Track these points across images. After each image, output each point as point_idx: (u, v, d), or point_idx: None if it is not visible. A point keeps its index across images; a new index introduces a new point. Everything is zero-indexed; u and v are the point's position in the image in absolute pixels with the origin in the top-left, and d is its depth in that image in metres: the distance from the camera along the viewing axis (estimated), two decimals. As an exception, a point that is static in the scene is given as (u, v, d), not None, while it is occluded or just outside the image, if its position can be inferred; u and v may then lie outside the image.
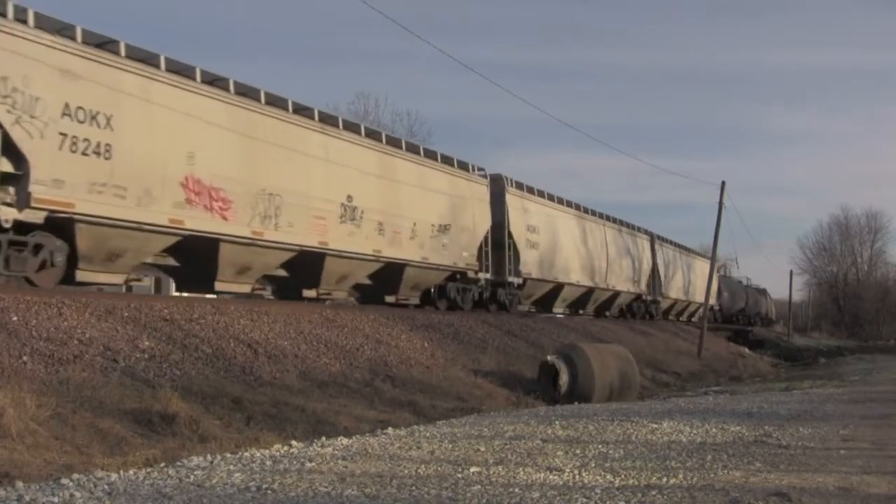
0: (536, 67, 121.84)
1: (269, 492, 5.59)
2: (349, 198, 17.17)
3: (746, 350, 40.58)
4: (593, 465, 6.96)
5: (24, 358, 8.80)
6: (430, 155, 20.91)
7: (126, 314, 11.16)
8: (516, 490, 5.84)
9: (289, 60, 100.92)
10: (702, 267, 42.27)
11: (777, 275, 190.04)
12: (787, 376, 26.91)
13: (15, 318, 9.65)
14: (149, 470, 6.27)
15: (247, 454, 7.14)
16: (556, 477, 6.41)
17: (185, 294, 16.38)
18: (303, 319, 14.08)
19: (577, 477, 6.43)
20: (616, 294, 32.65)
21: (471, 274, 22.00)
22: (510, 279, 23.81)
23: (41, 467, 6.14)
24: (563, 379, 14.73)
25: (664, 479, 6.38)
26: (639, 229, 35.18)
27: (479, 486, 5.93)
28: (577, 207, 29.70)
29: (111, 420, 7.77)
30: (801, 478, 6.54)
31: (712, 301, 40.72)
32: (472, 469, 6.59)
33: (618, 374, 15.76)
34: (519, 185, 25.22)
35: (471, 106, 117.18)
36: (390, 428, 9.29)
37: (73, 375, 8.77)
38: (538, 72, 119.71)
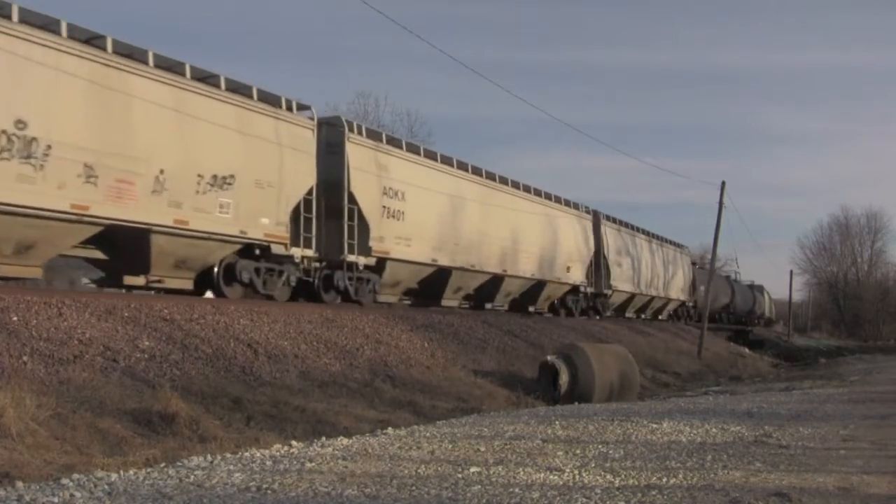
0: (536, 67, 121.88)
1: (269, 492, 5.60)
2: (19, 123, 11.01)
3: (746, 350, 40.54)
4: (593, 465, 6.97)
5: (25, 358, 8.81)
6: (204, 78, 14.27)
7: (126, 314, 11.17)
8: (516, 490, 5.85)
9: (289, 60, 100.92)
10: (678, 258, 41.37)
11: (777, 274, 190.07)
12: (788, 376, 26.90)
13: (15, 318, 9.66)
14: (149, 470, 6.28)
15: (247, 454, 7.14)
16: (556, 477, 6.42)
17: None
18: (303, 319, 14.09)
19: (577, 477, 6.43)
20: (541, 283, 25.88)
21: (277, 249, 15.58)
22: (352, 259, 17.42)
23: (41, 467, 6.14)
24: (563, 379, 14.73)
25: (664, 480, 6.38)
26: (577, 206, 28.91)
27: (479, 486, 5.93)
28: (471, 170, 22.34)
29: (111, 420, 7.77)
30: (801, 478, 6.54)
31: (684, 297, 41.97)
32: (472, 469, 6.59)
33: (618, 374, 15.76)
34: (372, 135, 19.00)
35: (471, 106, 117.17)
36: (390, 428, 9.29)
37: (73, 375, 8.78)
38: (538, 72, 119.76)
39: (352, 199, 17.23)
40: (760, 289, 64.29)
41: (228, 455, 7.07)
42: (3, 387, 7.36)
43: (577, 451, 7.67)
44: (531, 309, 25.75)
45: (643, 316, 37.42)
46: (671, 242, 40.30)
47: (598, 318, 29.73)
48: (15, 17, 11.12)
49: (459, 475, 6.36)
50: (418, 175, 19.51)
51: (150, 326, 11.12)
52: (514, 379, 15.44)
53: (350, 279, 17.55)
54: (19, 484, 5.55)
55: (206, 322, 12.11)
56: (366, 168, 17.82)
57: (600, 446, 8.03)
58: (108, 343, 10.02)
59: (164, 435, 7.78)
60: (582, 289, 28.59)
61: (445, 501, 5.47)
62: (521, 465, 6.83)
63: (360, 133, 18.10)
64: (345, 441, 8.09)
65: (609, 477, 6.44)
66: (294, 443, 7.93)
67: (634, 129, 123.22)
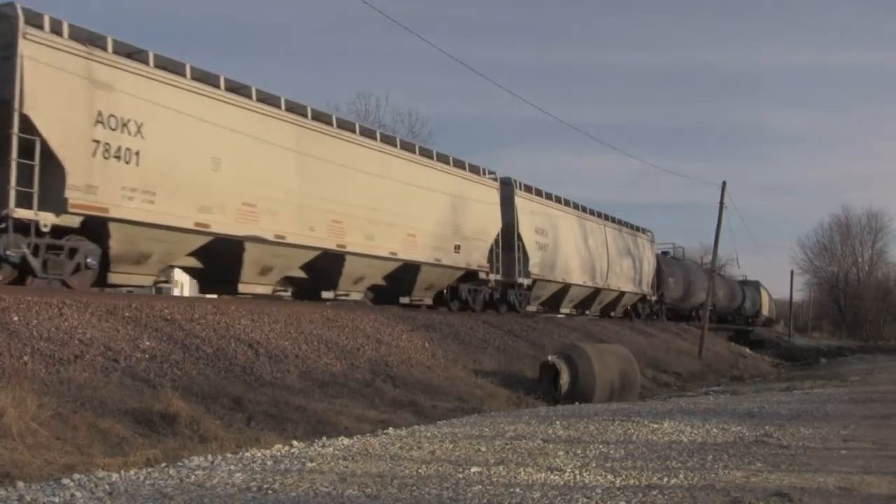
0: (537, 67, 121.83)
1: (269, 492, 5.59)
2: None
3: (747, 350, 40.53)
4: (594, 465, 6.96)
5: (25, 358, 8.81)
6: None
7: (127, 314, 11.17)
8: (517, 490, 5.84)
9: (289, 60, 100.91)
10: (638, 245, 35.42)
11: (778, 274, 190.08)
12: (788, 376, 26.90)
13: (16, 318, 9.66)
14: (150, 470, 6.27)
15: (247, 454, 7.14)
16: (556, 477, 6.41)
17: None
18: (303, 319, 14.08)
19: (578, 477, 6.43)
20: (412, 267, 19.76)
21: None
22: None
23: (42, 467, 6.14)
24: (564, 379, 14.73)
25: (665, 480, 6.38)
26: (479, 170, 22.91)
27: (480, 486, 5.93)
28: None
29: (112, 420, 7.77)
30: (801, 478, 6.53)
31: (645, 290, 35.69)
32: (473, 469, 6.59)
33: (618, 374, 15.76)
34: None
35: (471, 106, 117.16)
36: (391, 428, 9.29)
37: (73, 375, 8.78)
38: (538, 72, 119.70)
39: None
40: (756, 285, 59.52)
41: (229, 455, 7.07)
42: (4, 387, 7.35)
43: (578, 451, 7.66)
44: (406, 300, 20.09)
45: (588, 313, 31.16)
46: (629, 226, 34.48)
47: (515, 313, 24.00)
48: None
49: (460, 475, 6.35)
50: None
51: (151, 326, 11.12)
52: (514, 379, 15.43)
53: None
54: (20, 484, 5.55)
55: (206, 322, 12.10)
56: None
57: (601, 446, 8.03)
58: (108, 343, 10.02)
59: (165, 435, 7.78)
60: (482, 275, 22.40)
61: (446, 501, 5.47)
62: (522, 465, 6.82)
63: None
64: (345, 441, 8.09)
65: (610, 477, 6.43)
66: (295, 443, 7.94)
67: (635, 129, 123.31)
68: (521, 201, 24.55)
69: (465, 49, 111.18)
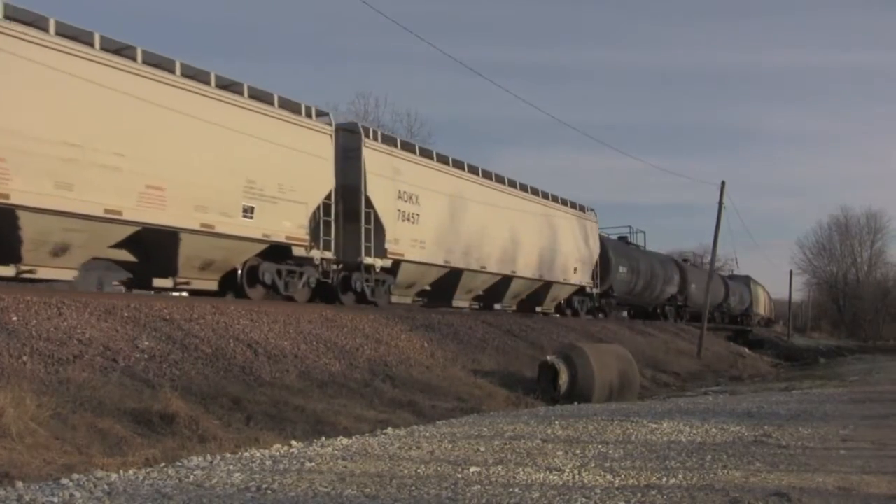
0: (536, 67, 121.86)
1: (268, 492, 5.59)
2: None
3: (746, 350, 40.50)
4: (593, 465, 6.96)
5: (24, 358, 8.80)
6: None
7: (126, 314, 11.17)
8: (516, 490, 5.84)
9: (289, 60, 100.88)
10: (574, 226, 28.27)
11: (777, 274, 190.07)
12: (787, 376, 26.90)
13: (15, 318, 9.66)
14: (148, 470, 6.27)
15: (246, 454, 7.14)
16: (555, 477, 6.41)
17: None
18: (302, 319, 14.09)
19: (577, 477, 6.43)
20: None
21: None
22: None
23: (41, 467, 6.14)
24: (563, 379, 14.73)
25: (664, 479, 6.38)
26: (315, 113, 17.11)
27: (479, 486, 5.93)
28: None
29: (111, 420, 7.77)
30: (800, 478, 6.54)
31: (584, 280, 28.75)
32: (472, 469, 6.59)
33: (617, 374, 15.76)
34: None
35: (471, 106, 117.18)
36: (390, 428, 9.29)
37: (72, 375, 8.77)
38: (538, 72, 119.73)
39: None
40: (745, 280, 54.54)
41: (228, 455, 7.07)
42: (3, 387, 7.35)
43: (577, 451, 7.66)
44: (168, 283, 14.41)
45: (499, 306, 24.79)
46: (563, 202, 27.54)
47: (372, 305, 18.24)
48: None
49: (459, 475, 6.35)
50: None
51: (150, 326, 11.12)
52: (513, 379, 15.43)
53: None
54: (19, 484, 5.55)
55: (205, 322, 12.11)
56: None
57: (600, 446, 8.03)
58: (107, 343, 10.02)
59: (164, 435, 7.78)
60: (298, 251, 16.22)
61: (445, 501, 5.47)
62: (521, 465, 6.83)
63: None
64: (344, 441, 8.09)
65: (609, 477, 6.44)
66: (294, 443, 7.94)
67: (634, 129, 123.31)
68: (374, 156, 18.16)
69: (465, 49, 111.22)
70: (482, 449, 7.69)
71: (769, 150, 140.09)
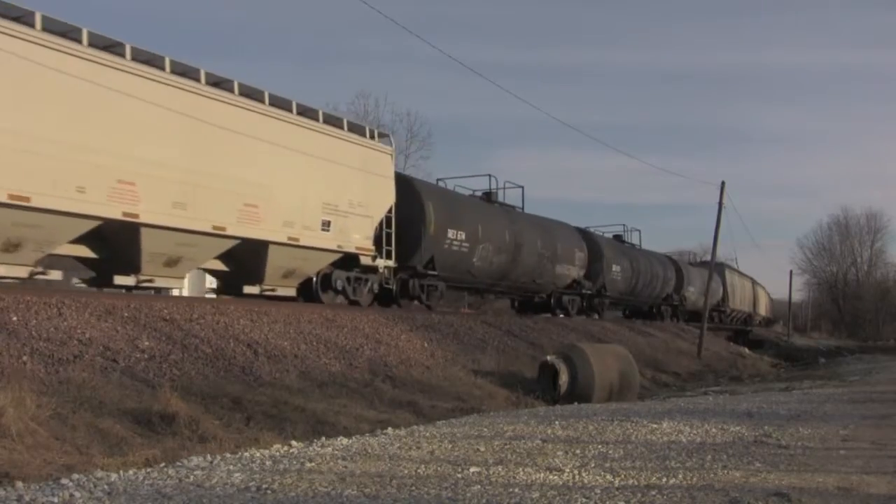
0: (536, 67, 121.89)
1: (268, 492, 5.59)
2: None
3: (746, 350, 40.49)
4: (593, 465, 6.97)
5: (24, 358, 8.81)
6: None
7: (126, 314, 11.17)
8: (516, 490, 5.84)
9: (289, 60, 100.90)
10: (366, 160, 17.44)
11: (777, 274, 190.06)
12: (787, 376, 26.88)
13: (15, 318, 9.66)
14: (148, 470, 6.28)
15: (247, 454, 7.14)
16: (555, 477, 6.41)
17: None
18: (303, 319, 14.09)
19: (577, 477, 6.43)
20: None
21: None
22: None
23: (41, 467, 6.14)
24: (563, 379, 14.73)
25: (664, 479, 6.38)
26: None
27: (479, 486, 5.93)
28: None
29: (111, 420, 7.77)
30: (800, 478, 6.54)
31: (362, 244, 16.35)
32: (472, 469, 6.59)
33: (618, 374, 15.75)
34: None
35: (470, 106, 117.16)
36: (390, 428, 9.29)
37: (72, 375, 8.78)
38: (538, 72, 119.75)
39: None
40: (720, 269, 44.66)
41: (228, 455, 7.07)
42: (3, 387, 7.35)
43: (577, 451, 7.66)
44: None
45: (254, 289, 15.37)
46: (328, 119, 16.95)
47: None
48: None
49: (459, 475, 6.35)
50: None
51: (150, 326, 11.12)
52: (513, 379, 15.43)
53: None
54: (19, 484, 5.55)
55: (205, 322, 12.11)
56: None
57: (600, 446, 8.03)
58: (107, 343, 10.02)
59: (164, 435, 7.78)
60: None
61: (445, 501, 5.47)
62: (521, 465, 6.83)
63: None
64: (344, 441, 8.09)
65: (609, 477, 6.44)
66: (294, 443, 7.94)
67: (635, 129, 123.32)
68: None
69: (465, 49, 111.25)
70: (482, 449, 7.69)
71: (769, 150, 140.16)
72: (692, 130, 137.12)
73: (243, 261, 15.10)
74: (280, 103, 15.45)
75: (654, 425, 9.59)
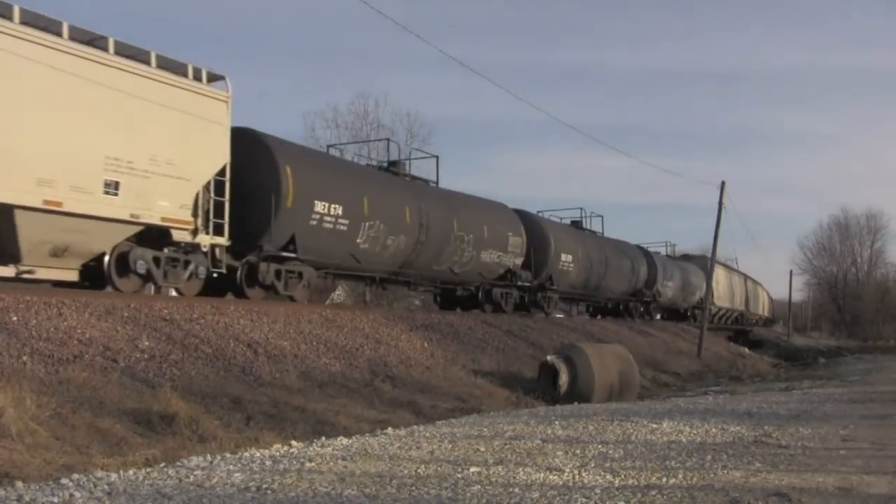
0: (536, 67, 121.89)
1: (268, 492, 5.59)
2: None
3: (746, 350, 40.51)
4: (593, 465, 6.97)
5: (24, 358, 8.81)
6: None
7: (126, 314, 11.17)
8: (516, 490, 5.85)
9: (289, 60, 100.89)
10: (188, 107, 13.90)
11: (777, 274, 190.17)
12: (787, 376, 26.88)
13: (15, 318, 9.66)
14: (148, 470, 6.28)
15: (246, 454, 7.14)
16: (555, 477, 6.42)
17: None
18: (302, 319, 14.10)
19: (577, 477, 6.43)
20: None
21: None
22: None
23: (41, 467, 6.14)
24: (563, 379, 14.73)
25: (664, 479, 6.38)
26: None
27: (479, 486, 5.93)
28: None
29: (111, 420, 7.77)
30: (800, 478, 6.54)
31: (176, 214, 11.87)
32: (472, 469, 6.59)
33: (618, 374, 15.76)
34: None
35: (471, 106, 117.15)
36: (390, 428, 9.29)
37: (72, 375, 8.77)
38: (539, 72, 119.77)
39: None
40: (702, 261, 40.96)
41: (228, 455, 7.07)
42: (3, 387, 7.35)
43: (577, 451, 7.66)
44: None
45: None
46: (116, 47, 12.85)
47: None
48: None
49: (459, 475, 6.35)
50: None
51: (150, 326, 11.12)
52: (513, 379, 15.44)
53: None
54: (19, 484, 5.55)
55: (205, 322, 12.11)
56: None
57: (600, 446, 8.03)
58: (107, 343, 10.02)
59: (164, 435, 7.78)
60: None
61: (445, 501, 5.47)
62: (521, 465, 6.83)
63: None
64: (344, 441, 8.09)
65: (609, 477, 6.44)
66: (294, 443, 7.94)
67: (635, 129, 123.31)
68: None
69: (466, 49, 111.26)
70: (482, 449, 7.69)
71: (769, 150, 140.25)
72: (692, 130, 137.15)
73: None
74: (42, 23, 11.50)
75: (655, 425, 9.59)
